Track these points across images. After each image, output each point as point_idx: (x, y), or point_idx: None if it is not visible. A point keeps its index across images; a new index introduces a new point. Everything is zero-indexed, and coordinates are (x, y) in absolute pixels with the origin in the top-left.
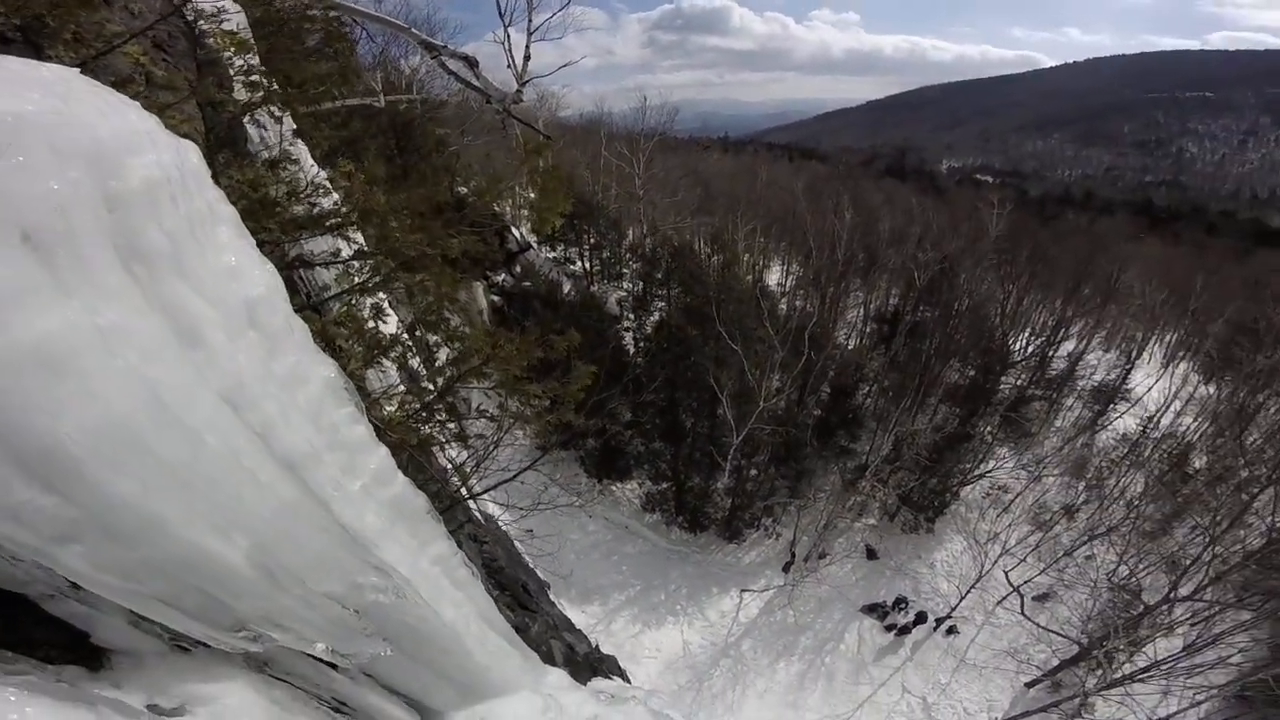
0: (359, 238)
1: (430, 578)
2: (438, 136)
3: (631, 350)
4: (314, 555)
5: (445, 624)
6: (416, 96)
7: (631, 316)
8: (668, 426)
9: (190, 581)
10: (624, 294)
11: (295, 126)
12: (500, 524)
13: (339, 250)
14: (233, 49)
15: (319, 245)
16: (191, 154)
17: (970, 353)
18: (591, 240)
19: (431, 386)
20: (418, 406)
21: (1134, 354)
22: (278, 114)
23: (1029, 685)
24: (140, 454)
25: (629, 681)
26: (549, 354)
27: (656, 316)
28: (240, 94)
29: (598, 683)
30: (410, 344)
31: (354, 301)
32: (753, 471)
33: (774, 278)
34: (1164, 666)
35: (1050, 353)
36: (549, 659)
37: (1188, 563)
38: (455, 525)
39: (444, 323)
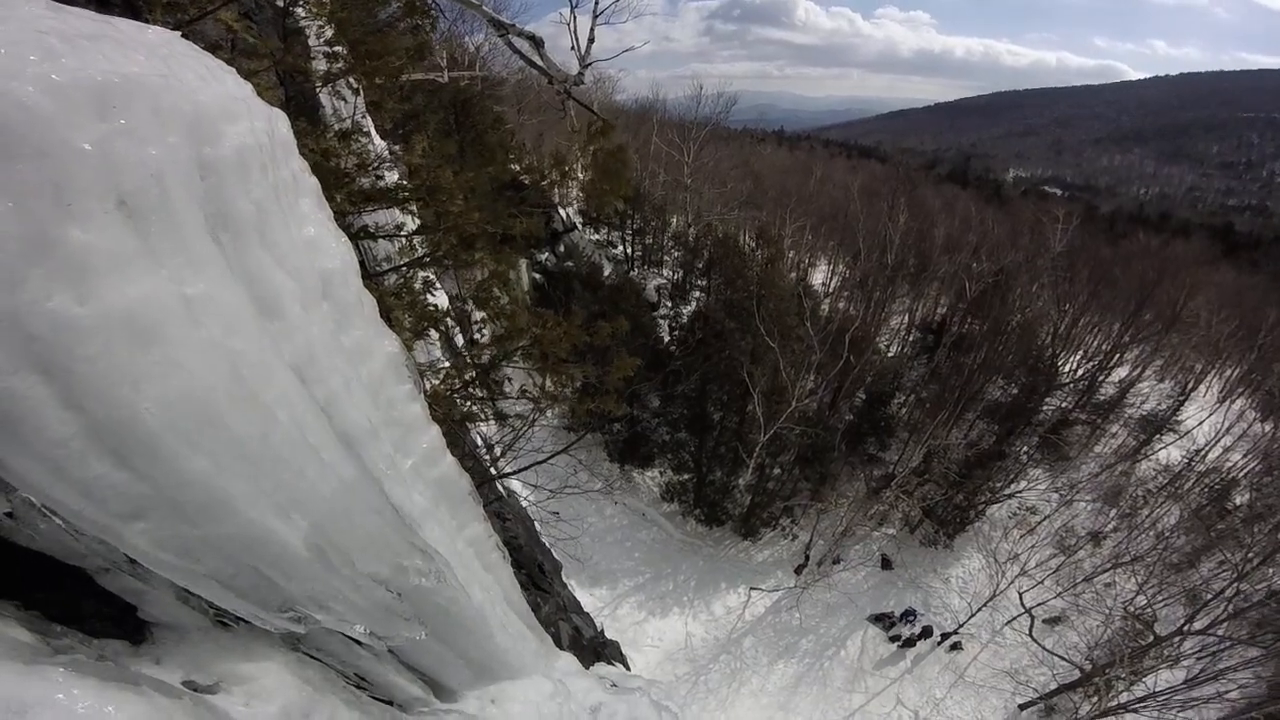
0: (417, 212)
1: (464, 559)
2: (496, 114)
3: (667, 339)
4: (365, 536)
5: (473, 606)
6: (479, 73)
7: (669, 304)
8: (695, 417)
9: (246, 561)
10: (663, 281)
11: (367, 100)
12: (522, 502)
13: (403, 224)
14: (321, 19)
15: (383, 217)
16: (282, 123)
17: (1016, 370)
18: (635, 225)
19: (473, 361)
20: (460, 383)
21: (1190, 386)
22: (355, 86)
23: (1022, 707)
24: (216, 429)
25: (629, 669)
26: (594, 339)
27: (694, 306)
28: (320, 65)
29: (600, 668)
30: (455, 319)
31: (409, 274)
32: (776, 470)
33: (819, 277)
34: (1161, 698)
35: (1101, 378)
36: (557, 641)
37: (1209, 597)
38: (485, 503)
39: (494, 300)
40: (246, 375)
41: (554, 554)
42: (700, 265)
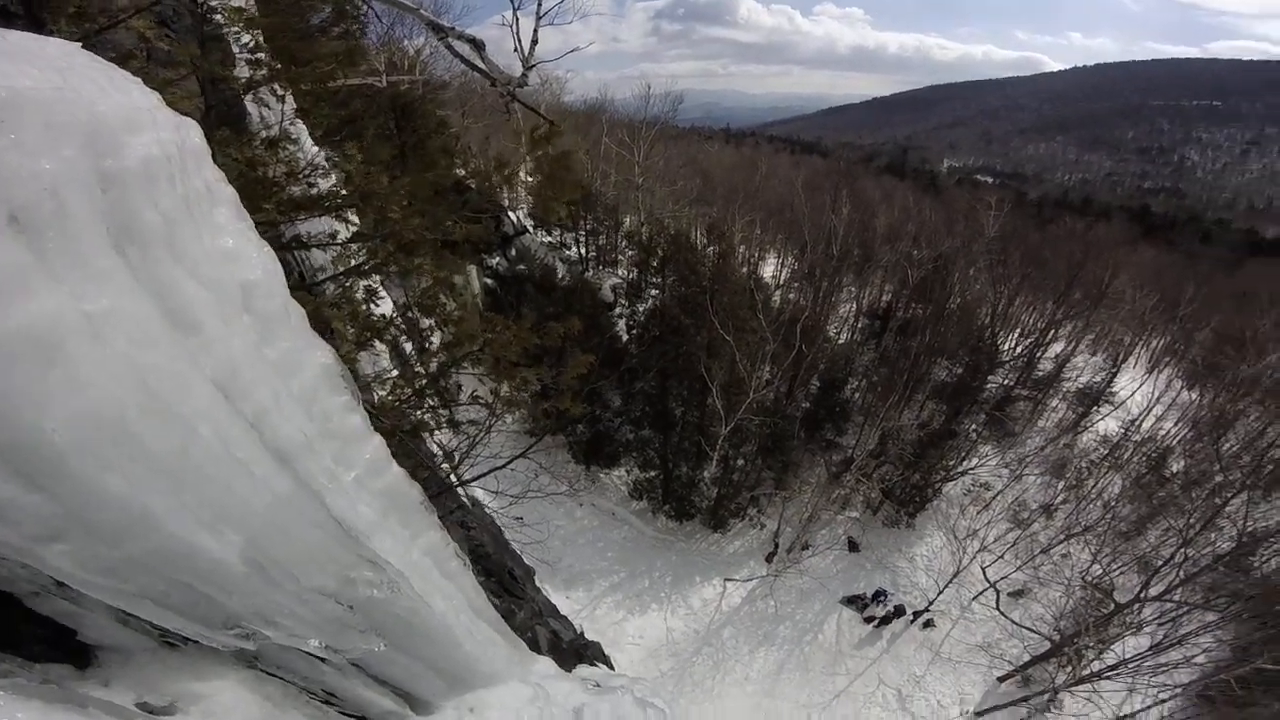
0: (357, 219)
1: (421, 569)
2: (439, 118)
3: (625, 338)
4: (307, 550)
5: (436, 616)
6: (420, 77)
7: (625, 303)
8: (657, 414)
9: (179, 578)
10: (619, 281)
11: (296, 106)
12: (487, 510)
13: (336, 232)
14: (240, 25)
15: (316, 226)
16: (193, 133)
17: (959, 351)
18: (588, 226)
19: (423, 370)
20: (410, 392)
21: (1120, 358)
22: (280, 92)
23: (1000, 679)
24: (129, 446)
25: (613, 668)
26: (545, 340)
27: (650, 304)
28: (243, 71)
29: (583, 669)
30: (403, 327)
31: (349, 284)
32: (740, 461)
33: (769, 270)
34: (1131, 665)
35: (1038, 354)
36: (534, 646)
37: (1159, 563)
38: (445, 511)
39: (440, 307)
40: (159, 390)
41: (525, 560)
42: (654, 263)
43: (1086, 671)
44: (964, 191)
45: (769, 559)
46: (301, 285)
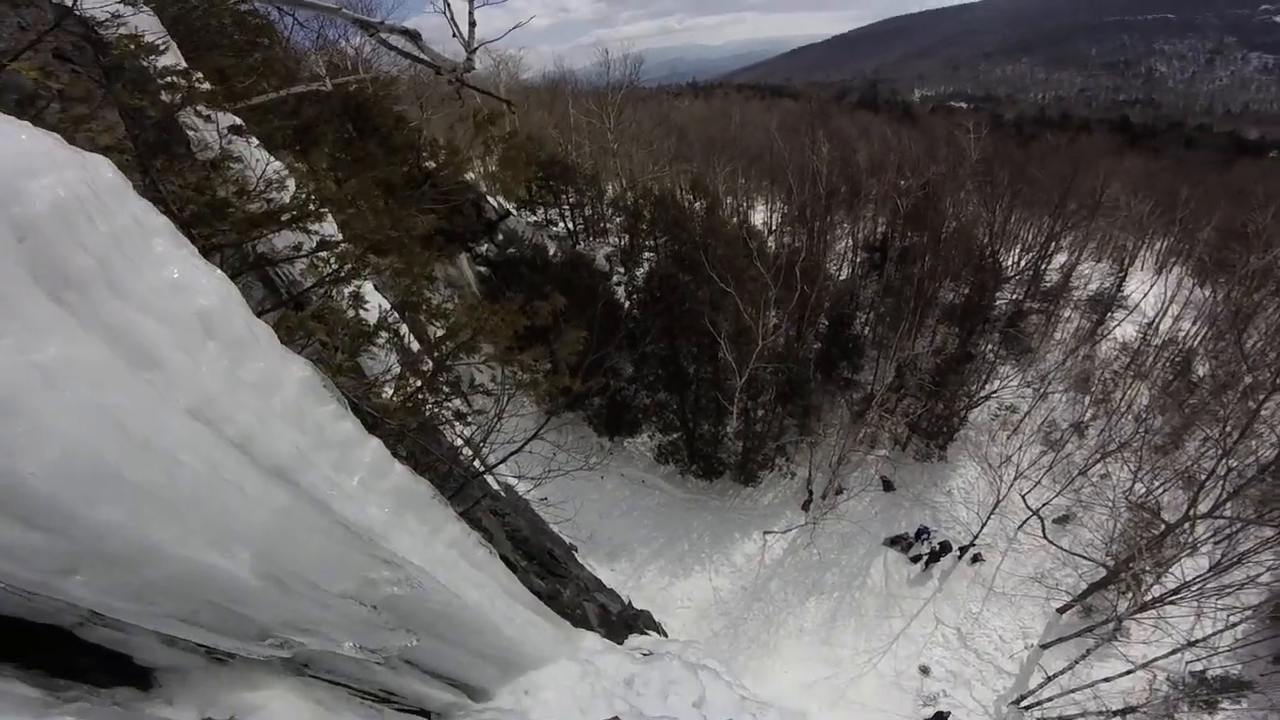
0: (324, 228)
1: (447, 562)
2: (396, 114)
3: (626, 304)
4: (319, 557)
5: (470, 606)
6: (365, 76)
7: (622, 270)
8: (671, 376)
9: (200, 597)
10: (611, 249)
11: (235, 122)
12: (521, 494)
13: (300, 244)
14: (135, 49)
15: (286, 240)
16: (103, 168)
17: (963, 272)
18: (571, 199)
19: (425, 366)
20: (414, 388)
21: (1126, 262)
22: (205, 113)
23: (1060, 611)
24: (113, 482)
25: (665, 634)
26: (535, 320)
27: (646, 267)
28: (166, 97)
29: (634, 639)
30: (398, 326)
31: (331, 293)
32: (760, 412)
33: (759, 217)
34: (1193, 588)
35: (1043, 266)
36: (584, 622)
37: (1203, 477)
38: (472, 501)
39: (425, 302)
40: (132, 427)
41: (564, 538)
42: (644, 226)
43: (1148, 597)
44: (940, 119)
45: (805, 507)
46: (287, 300)
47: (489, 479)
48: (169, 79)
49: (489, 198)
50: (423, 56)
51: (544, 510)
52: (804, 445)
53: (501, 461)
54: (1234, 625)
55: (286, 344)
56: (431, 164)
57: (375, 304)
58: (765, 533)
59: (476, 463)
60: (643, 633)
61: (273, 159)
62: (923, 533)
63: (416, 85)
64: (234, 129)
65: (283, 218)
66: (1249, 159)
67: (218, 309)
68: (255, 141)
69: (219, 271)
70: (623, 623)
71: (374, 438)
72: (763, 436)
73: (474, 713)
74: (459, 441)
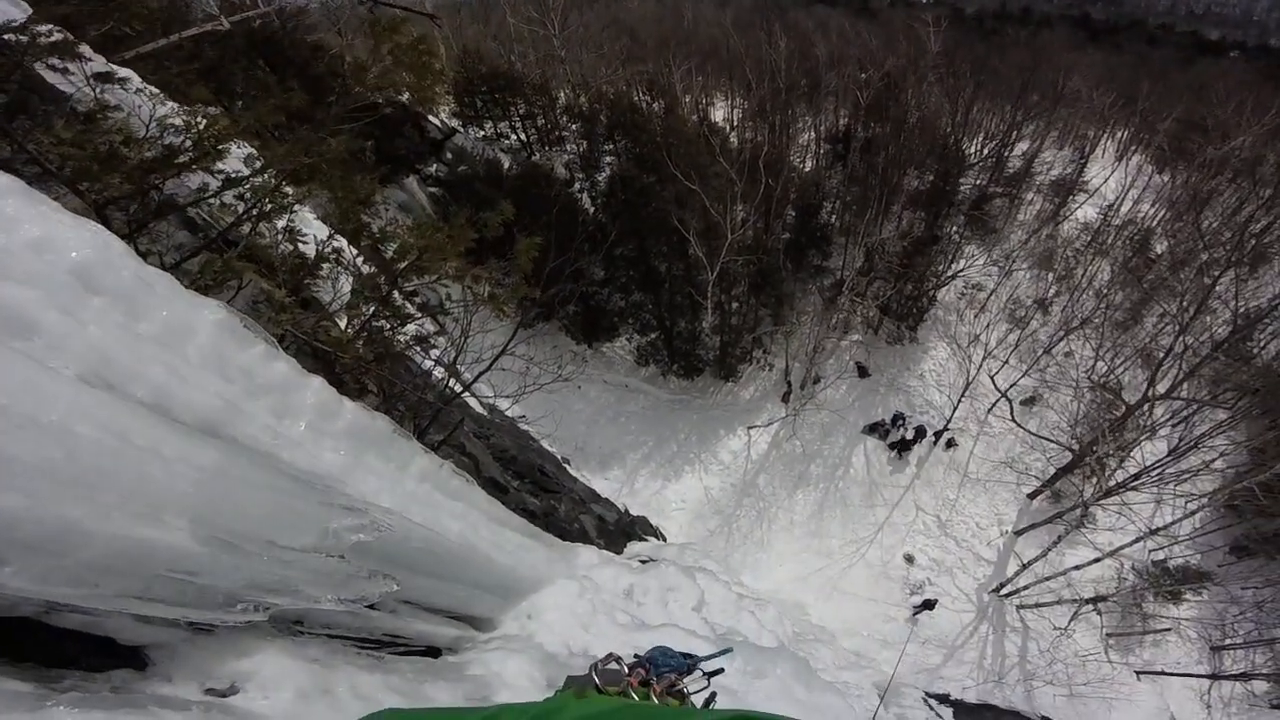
0: (230, 165)
1: (420, 497)
2: (311, 44)
3: (591, 209)
4: (268, 513)
5: (454, 538)
6: (267, 9)
7: (582, 176)
8: (643, 276)
9: (147, 573)
10: (570, 157)
11: (106, 69)
12: (506, 413)
13: (206, 185)
14: None
15: (193, 183)
16: None
17: (927, 159)
18: (520, 111)
19: (366, 293)
20: (366, 316)
21: (1088, 150)
22: (60, 65)
23: (1030, 496)
24: (6, 466)
25: (663, 538)
26: (485, 233)
27: (608, 171)
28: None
29: (634, 546)
30: (341, 255)
31: (258, 229)
32: (734, 305)
33: (719, 114)
34: (1154, 473)
35: (1006, 153)
36: (582, 536)
37: (1161, 355)
38: (452, 427)
39: (365, 228)
40: (12, 405)
41: (555, 453)
42: (602, 132)
43: (1112, 483)
44: (900, 13)
45: (785, 399)
46: (214, 242)
47: (470, 401)
48: (6, 35)
49: (430, 117)
50: None
51: (528, 426)
52: (779, 335)
53: (474, 381)
54: (1192, 514)
55: (215, 288)
56: (358, 88)
57: (315, 236)
58: (749, 428)
59: (452, 385)
60: (641, 539)
61: (164, 103)
62: (899, 418)
63: (329, 12)
64: (101, 76)
65: (178, 160)
66: (1210, 58)
67: (96, 261)
68: (136, 87)
69: (92, 223)
70: (620, 531)
71: (315, 377)
72: (739, 329)
73: (480, 643)
74: (430, 365)
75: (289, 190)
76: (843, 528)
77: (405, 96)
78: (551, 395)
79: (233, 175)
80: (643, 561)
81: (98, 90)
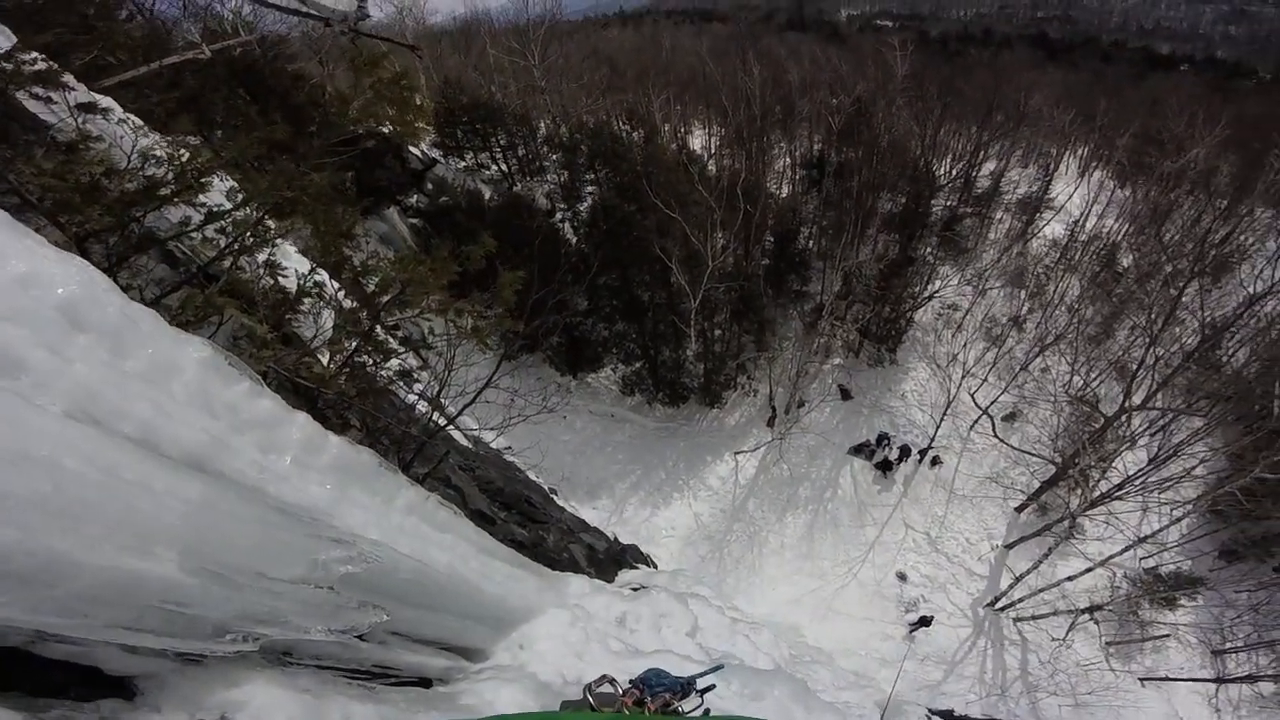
0: (212, 198)
1: (408, 529)
2: (292, 73)
3: (573, 239)
4: (256, 546)
5: (442, 570)
6: (249, 38)
7: (564, 206)
8: (626, 306)
9: (137, 603)
10: (551, 187)
11: (90, 99)
12: (489, 444)
13: (189, 219)
14: None
15: (175, 217)
16: None
17: (899, 182)
18: (501, 141)
19: (349, 328)
20: (348, 352)
21: (1052, 167)
22: (43, 94)
23: (1018, 510)
24: None
25: (654, 565)
26: (468, 265)
27: (589, 201)
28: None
29: (625, 574)
30: (322, 289)
31: (239, 264)
32: (717, 332)
33: (697, 142)
34: (1136, 482)
35: (974, 173)
36: (571, 565)
37: (1135, 367)
38: (436, 460)
39: (346, 261)
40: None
41: (541, 483)
42: (583, 161)
43: (1097, 494)
44: (868, 37)
45: (770, 424)
46: (194, 277)
47: (455, 434)
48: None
49: (411, 148)
50: (307, 10)
51: (514, 458)
52: (763, 361)
53: (458, 414)
54: (1178, 520)
55: (196, 324)
56: (340, 121)
57: (296, 270)
58: (736, 453)
59: (436, 419)
60: (632, 566)
61: (146, 135)
62: (883, 438)
63: (311, 41)
64: (84, 106)
65: (160, 192)
66: (1161, 73)
67: (82, 298)
68: (118, 117)
69: (78, 259)
70: (611, 559)
71: (300, 412)
72: (722, 356)
73: (472, 674)
74: (414, 399)
75: (271, 224)
76: (834, 549)
77: (387, 129)
78: (537, 426)
79: (215, 209)
80: (634, 589)
81: (80, 120)
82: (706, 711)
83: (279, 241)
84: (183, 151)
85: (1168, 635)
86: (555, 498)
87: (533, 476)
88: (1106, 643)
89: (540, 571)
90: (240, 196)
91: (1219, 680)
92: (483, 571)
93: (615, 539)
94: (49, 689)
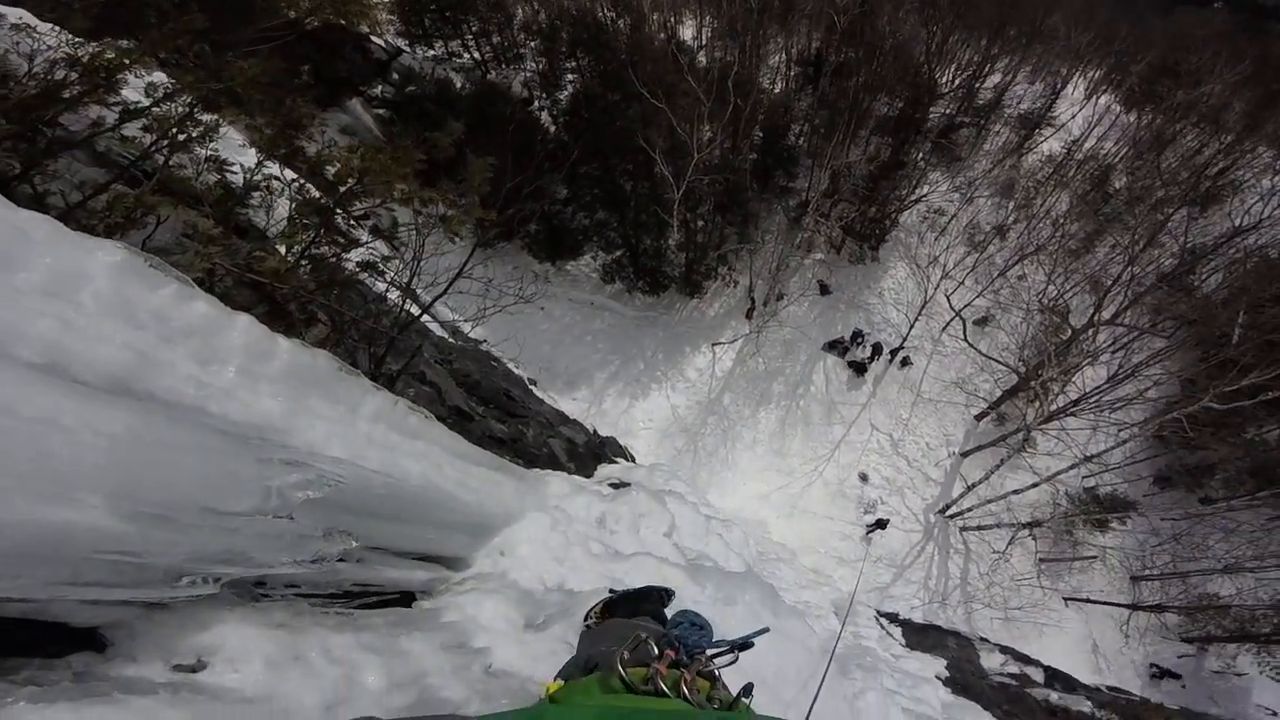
0: (127, 95)
1: (376, 439)
2: None
3: (552, 128)
4: (198, 478)
5: (415, 480)
6: None
7: (542, 94)
8: (607, 195)
9: (71, 557)
10: (529, 75)
11: None
12: (470, 337)
13: (102, 119)
14: None
15: (87, 120)
16: None
17: (898, 86)
18: (474, 28)
19: (304, 220)
20: (305, 243)
21: (1059, 86)
22: None
23: (978, 418)
24: None
25: (633, 459)
26: (434, 153)
27: (570, 90)
28: None
29: (604, 469)
30: (270, 182)
31: (172, 161)
32: (700, 223)
33: (688, 33)
34: (1091, 400)
35: (977, 85)
36: (551, 460)
37: (1109, 283)
38: (410, 354)
39: (298, 152)
40: None
41: (521, 374)
42: (563, 49)
43: (1053, 407)
44: None
45: (748, 316)
46: (121, 176)
47: (430, 325)
48: None
49: (373, 38)
50: None
51: (492, 348)
52: (744, 253)
53: (431, 304)
54: (1123, 443)
55: (128, 226)
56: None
57: (243, 165)
58: (713, 344)
59: (409, 309)
60: (611, 460)
61: (57, 37)
62: (857, 335)
63: None
64: None
65: (64, 94)
66: (1192, 7)
67: None
68: (12, 23)
69: None
70: (590, 453)
71: (241, 314)
72: (704, 246)
73: (454, 585)
74: (384, 288)
75: (203, 119)
76: (803, 445)
77: (330, 14)
78: (515, 317)
79: (132, 106)
80: (614, 486)
81: None
82: (749, 685)
83: (223, 134)
84: (88, 49)
85: (1095, 557)
86: (534, 389)
87: (512, 368)
88: (1040, 559)
89: (519, 474)
90: (160, 92)
91: (1132, 606)
92: (459, 479)
93: (594, 431)
94: (15, 648)
